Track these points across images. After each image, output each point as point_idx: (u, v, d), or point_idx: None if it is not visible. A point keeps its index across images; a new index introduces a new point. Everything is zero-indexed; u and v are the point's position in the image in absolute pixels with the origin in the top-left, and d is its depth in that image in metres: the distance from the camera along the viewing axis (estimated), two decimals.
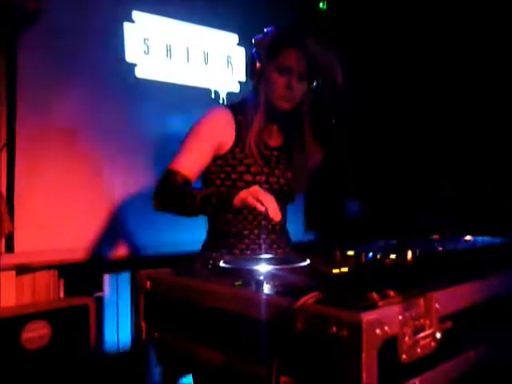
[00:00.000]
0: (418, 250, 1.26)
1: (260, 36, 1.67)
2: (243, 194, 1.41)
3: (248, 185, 1.57)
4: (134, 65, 2.75)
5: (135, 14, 2.77)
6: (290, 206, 1.81)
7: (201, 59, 3.03)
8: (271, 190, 1.64)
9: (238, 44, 3.20)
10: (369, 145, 3.02)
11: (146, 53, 2.80)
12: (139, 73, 2.77)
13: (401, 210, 2.88)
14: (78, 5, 2.54)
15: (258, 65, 1.61)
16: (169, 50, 2.89)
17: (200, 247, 1.78)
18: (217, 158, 1.64)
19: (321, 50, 1.61)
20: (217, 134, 1.63)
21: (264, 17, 3.25)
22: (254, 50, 1.67)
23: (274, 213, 1.36)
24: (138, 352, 2.86)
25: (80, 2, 2.56)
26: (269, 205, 1.36)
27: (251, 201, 1.37)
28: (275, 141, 1.74)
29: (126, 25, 2.73)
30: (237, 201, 1.41)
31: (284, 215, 1.73)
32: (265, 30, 1.68)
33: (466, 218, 2.50)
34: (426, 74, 3.01)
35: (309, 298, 0.75)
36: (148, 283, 1.08)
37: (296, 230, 2.04)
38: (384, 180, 2.96)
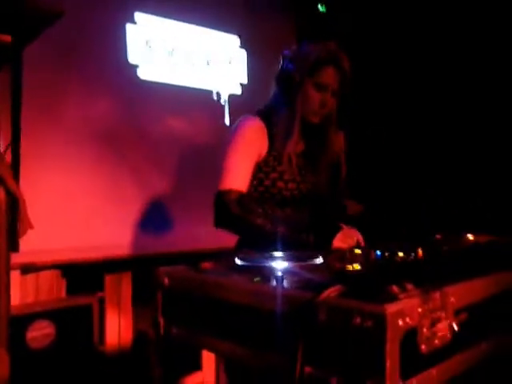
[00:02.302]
0: (427, 248, 1.30)
1: (295, 50, 1.73)
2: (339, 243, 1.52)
3: (280, 191, 1.66)
4: (137, 66, 2.78)
5: (138, 16, 2.79)
6: None
7: (203, 61, 3.06)
8: (302, 196, 1.73)
9: (240, 46, 3.23)
10: (366, 145, 3.05)
11: (149, 54, 2.83)
12: (142, 74, 2.79)
13: (399, 211, 2.93)
14: (80, 6, 2.56)
15: (297, 79, 1.66)
16: (171, 52, 2.92)
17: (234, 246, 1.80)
18: None
19: (349, 65, 1.68)
20: (256, 145, 1.68)
21: (265, 20, 3.30)
22: (287, 63, 1.71)
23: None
24: (140, 352, 2.88)
25: (82, 4, 2.58)
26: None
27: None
28: (299, 146, 1.78)
29: (129, 26, 2.76)
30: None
31: None
32: (303, 43, 1.74)
33: (462, 219, 2.54)
34: (424, 77, 3.05)
35: (332, 291, 0.78)
36: (166, 279, 1.10)
37: None
38: (382, 181, 3.00)
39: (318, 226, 1.59)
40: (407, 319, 0.74)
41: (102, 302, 2.76)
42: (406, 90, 3.10)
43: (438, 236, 1.70)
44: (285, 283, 0.92)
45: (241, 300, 0.93)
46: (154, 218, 2.82)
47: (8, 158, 2.36)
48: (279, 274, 0.97)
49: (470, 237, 1.71)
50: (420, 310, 0.77)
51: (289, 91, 1.69)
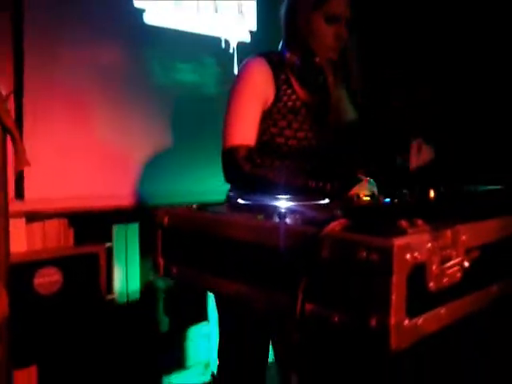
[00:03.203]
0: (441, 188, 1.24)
1: None
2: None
3: (286, 140, 1.58)
4: (143, 10, 2.68)
5: None
6: None
7: (211, 7, 2.94)
8: (308, 147, 1.65)
9: None
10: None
11: None
12: (148, 19, 2.69)
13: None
14: None
15: (304, 16, 1.52)
16: None
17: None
18: None
19: None
20: (262, 91, 1.57)
21: None
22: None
23: None
24: (147, 302, 2.91)
25: None
26: None
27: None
28: (304, 94, 1.67)
29: None
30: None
31: None
32: None
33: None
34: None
35: (336, 225, 0.74)
36: (166, 219, 1.07)
37: None
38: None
39: (336, 176, 1.52)
40: (416, 254, 0.70)
41: (109, 251, 2.78)
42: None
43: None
44: (288, 220, 0.88)
45: (243, 236, 0.89)
46: (161, 168, 2.78)
47: (11, 104, 2.32)
48: (282, 210, 0.93)
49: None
50: (429, 245, 0.73)
51: (298, 31, 1.56)
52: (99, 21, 2.52)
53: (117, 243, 2.84)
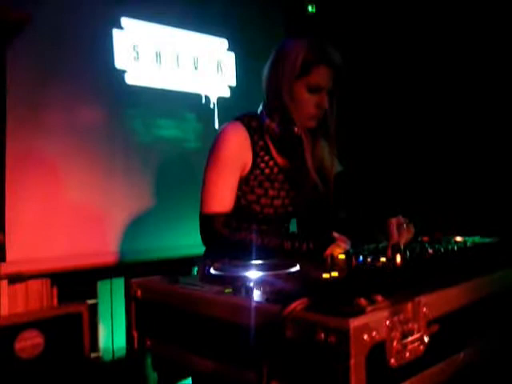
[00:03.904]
0: (408, 253, 1.28)
1: (279, 51, 1.57)
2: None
3: (262, 208, 1.60)
4: (124, 71, 2.76)
5: (124, 21, 2.77)
6: None
7: (191, 64, 3.03)
8: (285, 213, 1.68)
9: (228, 49, 3.21)
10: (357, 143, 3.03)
11: (136, 59, 2.81)
12: (129, 79, 2.77)
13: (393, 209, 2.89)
14: (67, 11, 2.54)
15: (286, 84, 1.51)
16: (158, 56, 2.90)
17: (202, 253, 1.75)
18: None
19: (341, 60, 1.54)
20: (239, 158, 1.57)
21: (253, 22, 3.27)
22: (272, 65, 1.58)
23: None
24: (133, 359, 2.86)
25: (69, 9, 2.56)
26: None
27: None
28: (282, 160, 1.68)
29: (115, 31, 2.73)
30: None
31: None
32: (285, 42, 1.58)
33: (457, 218, 2.51)
34: (414, 77, 3.03)
35: (297, 305, 0.76)
36: (139, 291, 1.08)
37: None
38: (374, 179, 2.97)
39: (311, 238, 1.52)
40: (373, 333, 0.71)
41: (94, 308, 2.74)
42: (396, 90, 3.08)
43: (424, 238, 1.67)
44: (255, 294, 0.90)
45: (209, 312, 0.90)
46: (146, 224, 2.80)
47: None
48: (250, 284, 0.94)
49: (459, 238, 1.68)
50: (388, 322, 0.74)
51: (279, 98, 1.54)
52: (81, 83, 2.59)
53: (101, 299, 2.82)
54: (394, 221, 1.44)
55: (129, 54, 2.78)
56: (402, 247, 1.32)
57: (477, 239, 1.63)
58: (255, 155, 1.60)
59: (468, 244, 1.49)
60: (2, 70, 2.33)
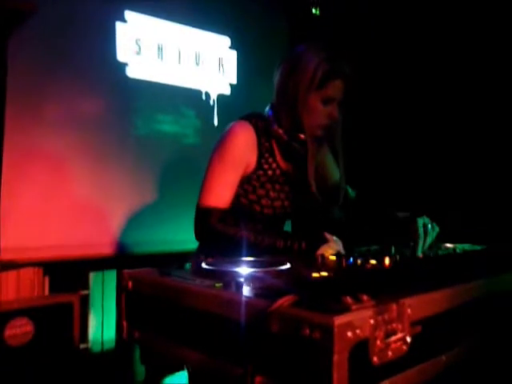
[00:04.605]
0: (397, 256, 1.30)
1: (295, 59, 1.59)
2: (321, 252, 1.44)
3: (262, 208, 1.63)
4: (126, 64, 2.77)
5: (128, 14, 2.78)
6: None
7: (192, 60, 3.05)
8: (283, 214, 1.71)
9: (230, 47, 3.22)
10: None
11: (138, 53, 2.82)
12: (130, 72, 2.78)
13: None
14: (70, 4, 2.55)
15: (301, 95, 1.55)
16: (160, 51, 2.91)
17: (196, 249, 1.77)
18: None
19: (355, 74, 1.58)
20: (244, 157, 1.60)
21: (256, 20, 3.29)
22: (287, 73, 1.59)
23: None
24: (122, 352, 2.87)
25: (73, 2, 2.57)
26: None
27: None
28: (285, 163, 1.72)
29: (119, 24, 2.74)
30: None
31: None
32: (302, 51, 1.59)
33: (451, 226, 2.53)
34: (419, 79, 3.04)
35: (285, 301, 0.77)
36: (130, 283, 1.10)
37: None
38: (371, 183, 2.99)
39: (303, 238, 1.54)
40: (357, 331, 0.73)
41: (85, 299, 2.75)
42: (401, 93, 3.09)
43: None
44: (245, 290, 0.91)
45: (199, 306, 0.92)
46: (141, 216, 2.81)
47: None
48: (241, 280, 0.96)
49: (449, 245, 1.71)
50: (372, 321, 0.76)
51: (293, 106, 1.58)
52: (82, 74, 2.60)
53: (93, 290, 2.83)
54: (420, 220, 1.50)
55: (131, 48, 2.79)
56: (428, 246, 1.40)
57: (467, 246, 1.65)
58: (260, 156, 1.63)
59: (457, 251, 1.52)
60: (3, 61, 2.34)
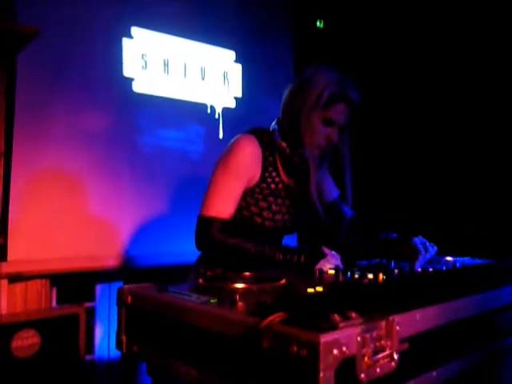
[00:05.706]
0: (395, 271, 1.31)
1: (309, 79, 1.62)
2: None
3: (264, 221, 1.65)
4: (132, 79, 2.82)
5: (134, 30, 2.84)
6: None
7: (198, 75, 3.09)
8: (283, 227, 1.73)
9: (235, 61, 3.26)
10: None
11: (144, 68, 2.87)
12: (136, 87, 2.83)
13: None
14: (78, 21, 2.61)
15: (306, 113, 1.59)
16: (166, 66, 2.95)
17: (195, 261, 1.79)
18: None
19: (360, 100, 1.62)
20: (248, 170, 1.63)
21: (262, 35, 3.33)
22: (296, 91, 1.64)
23: None
24: (128, 364, 2.89)
25: (80, 18, 2.63)
26: None
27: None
28: (287, 178, 1.75)
29: (125, 40, 2.80)
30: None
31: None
32: (313, 72, 1.63)
33: (452, 238, 2.53)
34: (423, 92, 3.06)
35: (275, 318, 0.79)
36: (129, 298, 1.12)
37: None
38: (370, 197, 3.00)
39: (302, 251, 1.56)
40: (344, 348, 0.74)
41: (91, 311, 2.79)
42: (404, 106, 3.10)
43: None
44: (239, 306, 0.94)
45: (194, 322, 0.94)
46: (147, 229, 2.84)
47: (0, 166, 2.41)
48: (236, 296, 0.98)
49: (449, 258, 1.71)
50: (359, 338, 0.77)
51: (296, 122, 1.62)
52: (90, 91, 2.65)
53: (100, 302, 2.86)
54: (416, 239, 1.54)
55: (137, 63, 2.84)
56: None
57: (467, 260, 1.66)
58: (264, 170, 1.66)
59: (457, 265, 1.52)
60: (12, 78, 2.39)
